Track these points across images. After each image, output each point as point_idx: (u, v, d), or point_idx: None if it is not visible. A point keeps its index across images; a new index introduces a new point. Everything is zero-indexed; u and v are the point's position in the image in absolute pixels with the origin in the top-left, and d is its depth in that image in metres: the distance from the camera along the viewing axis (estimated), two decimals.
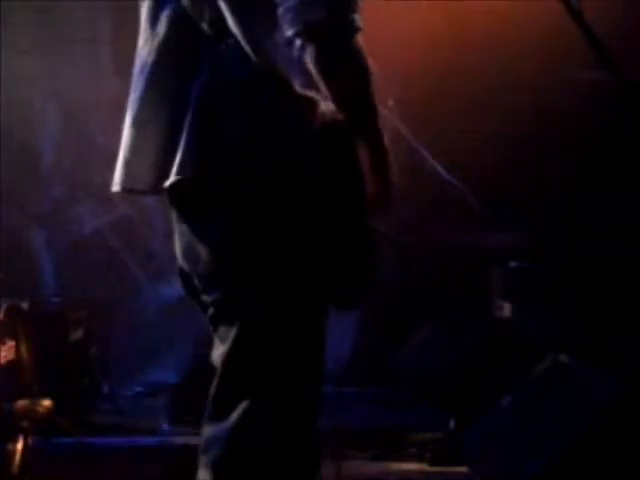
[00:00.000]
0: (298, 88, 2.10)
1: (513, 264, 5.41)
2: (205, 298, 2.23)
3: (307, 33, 2.02)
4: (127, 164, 2.22)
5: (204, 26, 2.16)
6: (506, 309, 5.29)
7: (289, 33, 2.04)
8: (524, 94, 5.63)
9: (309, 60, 2.04)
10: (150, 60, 2.23)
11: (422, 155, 4.36)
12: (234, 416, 2.15)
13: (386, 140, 2.15)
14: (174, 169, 2.11)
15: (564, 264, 5.45)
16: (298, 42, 2.04)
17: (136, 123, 2.23)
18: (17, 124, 6.27)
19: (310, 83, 2.08)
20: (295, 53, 2.05)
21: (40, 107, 6.63)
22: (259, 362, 2.16)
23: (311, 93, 2.09)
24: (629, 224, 5.24)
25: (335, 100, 2.07)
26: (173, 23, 2.22)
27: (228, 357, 2.17)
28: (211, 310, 2.22)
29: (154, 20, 2.26)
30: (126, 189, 2.24)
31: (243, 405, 2.14)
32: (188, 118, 2.12)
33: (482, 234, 5.74)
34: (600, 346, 4.65)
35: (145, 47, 2.27)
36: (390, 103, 4.02)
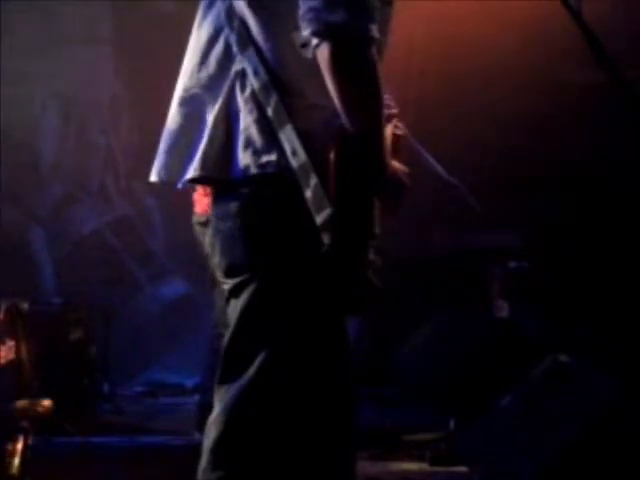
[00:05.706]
0: (309, 100, 2.12)
1: (513, 264, 5.42)
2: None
3: (326, 32, 2.03)
4: (162, 158, 2.30)
5: (231, 36, 2.19)
6: (506, 309, 5.30)
7: (307, 32, 2.06)
8: (524, 95, 5.64)
9: (322, 60, 2.05)
10: (191, 66, 2.28)
11: (422, 155, 4.35)
12: (251, 370, 2.15)
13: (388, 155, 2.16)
14: (194, 165, 2.19)
15: (563, 264, 5.45)
16: (315, 41, 2.05)
17: (175, 122, 2.29)
18: (17, 124, 6.28)
19: (323, 98, 2.09)
20: (309, 53, 2.07)
21: (40, 107, 6.64)
22: (275, 313, 2.17)
23: (321, 104, 2.10)
24: (629, 224, 5.24)
25: (341, 103, 2.07)
26: (214, 29, 2.25)
27: (244, 310, 2.18)
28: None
29: (199, 25, 2.30)
30: (162, 181, 2.30)
31: (260, 357, 2.15)
32: (209, 124, 2.18)
33: (482, 234, 5.74)
34: (600, 346, 4.65)
35: (190, 51, 2.31)
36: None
